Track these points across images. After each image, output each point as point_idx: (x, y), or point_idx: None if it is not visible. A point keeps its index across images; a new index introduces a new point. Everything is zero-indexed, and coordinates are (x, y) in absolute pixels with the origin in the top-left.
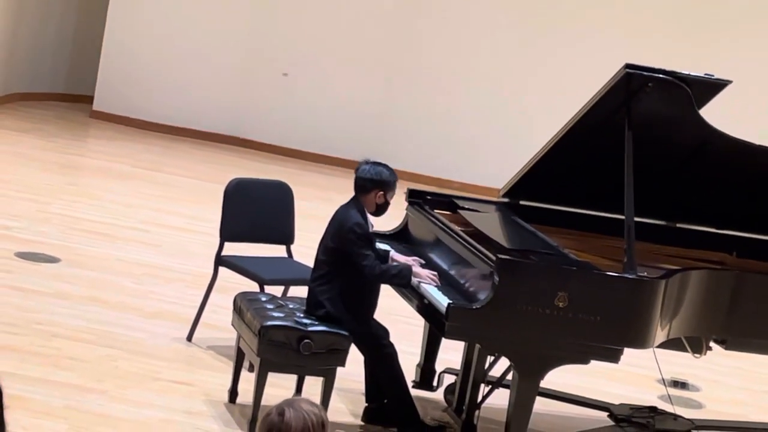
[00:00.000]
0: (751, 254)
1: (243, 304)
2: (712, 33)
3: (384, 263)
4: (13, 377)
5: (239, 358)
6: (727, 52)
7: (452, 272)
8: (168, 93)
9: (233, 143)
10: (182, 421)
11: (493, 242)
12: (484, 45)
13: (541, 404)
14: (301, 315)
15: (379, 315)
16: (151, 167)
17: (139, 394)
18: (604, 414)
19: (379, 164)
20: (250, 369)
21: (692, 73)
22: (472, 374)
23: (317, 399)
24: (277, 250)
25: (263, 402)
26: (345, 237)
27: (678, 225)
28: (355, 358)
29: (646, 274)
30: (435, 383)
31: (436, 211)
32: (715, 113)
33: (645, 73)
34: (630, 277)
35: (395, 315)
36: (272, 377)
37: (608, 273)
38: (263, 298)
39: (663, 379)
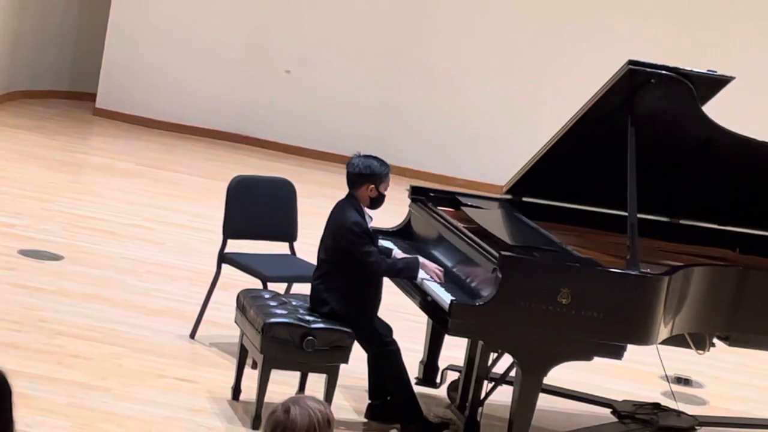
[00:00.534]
0: (754, 250)
1: (246, 302)
2: (715, 29)
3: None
4: (16, 375)
5: (242, 355)
6: (730, 48)
7: (455, 269)
8: (171, 90)
9: (236, 140)
10: (186, 418)
11: (496, 239)
12: (488, 42)
13: (544, 401)
14: (304, 312)
15: (382, 312)
16: (154, 165)
17: (142, 391)
18: (608, 411)
19: (370, 157)
20: (254, 366)
21: (695, 69)
22: (475, 371)
23: (320, 396)
24: (280, 248)
25: (266, 399)
26: (345, 237)
27: (681, 221)
28: (358, 355)
29: (649, 270)
30: (438, 380)
31: (439, 207)
32: (717, 109)
33: (648, 69)
34: (633, 273)
35: (398, 312)
36: (275, 374)
37: (611, 270)
38: (266, 296)
39: (666, 376)
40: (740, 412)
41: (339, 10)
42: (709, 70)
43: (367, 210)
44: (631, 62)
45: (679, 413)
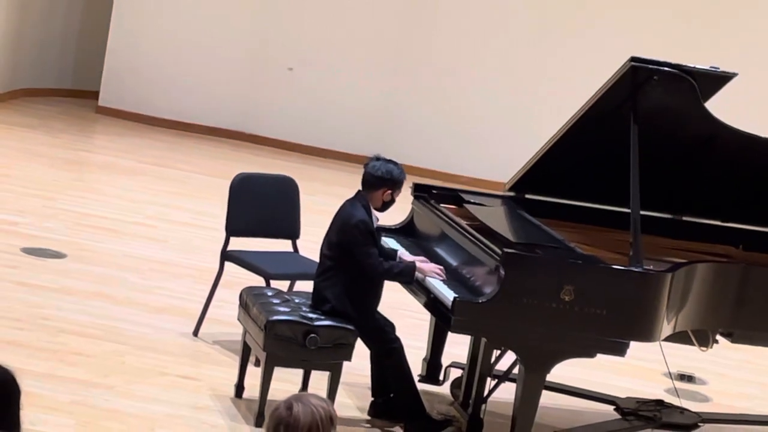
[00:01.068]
0: (758, 247)
1: (249, 299)
2: (718, 25)
3: (391, 260)
4: (19, 373)
5: (245, 352)
6: (733, 44)
7: (458, 266)
8: (174, 88)
9: (239, 138)
10: (188, 416)
11: (499, 236)
12: (491, 39)
13: (547, 398)
14: (307, 309)
15: (385, 309)
16: (157, 162)
17: (145, 389)
18: (611, 408)
19: (390, 162)
20: (257, 364)
21: (698, 66)
22: (478, 368)
23: (323, 394)
24: (283, 245)
25: (269, 397)
26: (349, 233)
27: (684, 218)
28: (361, 352)
29: (652, 267)
30: (441, 377)
31: (441, 205)
32: (720, 106)
33: (650, 66)
34: (636, 270)
35: (401, 309)
36: (278, 372)
37: (614, 266)
38: (269, 293)
39: (669, 373)
40: (743, 408)
41: (341, 8)
42: (711, 67)
43: (374, 212)
44: (633, 59)
45: (682, 410)
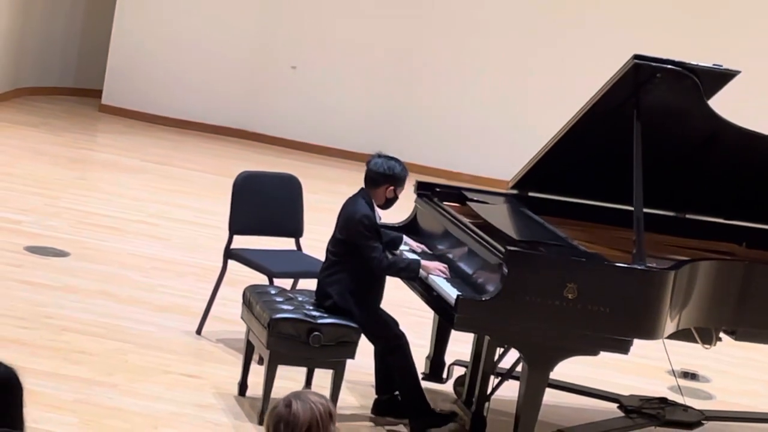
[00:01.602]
0: (761, 245)
1: (252, 297)
2: (721, 22)
3: (395, 249)
4: (22, 371)
5: (249, 351)
6: (737, 41)
7: (461, 264)
8: (177, 86)
9: (242, 137)
10: (192, 414)
11: (502, 234)
12: (493, 37)
13: (550, 396)
14: (311, 307)
15: (388, 307)
16: (160, 161)
17: (148, 387)
18: (614, 405)
19: (392, 159)
20: (260, 362)
21: (701, 64)
22: (481, 366)
23: (327, 392)
24: (286, 243)
25: (273, 395)
26: (353, 229)
27: (687, 216)
28: (364, 350)
29: (655, 265)
30: (444, 375)
31: (445, 203)
32: (724, 104)
33: (653, 64)
34: (639, 268)
35: (404, 307)
36: (282, 370)
37: (617, 264)
38: (272, 291)
39: (673, 370)
40: (747, 406)
41: (344, 7)
42: (715, 64)
43: (377, 209)
44: (636, 57)
45: (685, 408)
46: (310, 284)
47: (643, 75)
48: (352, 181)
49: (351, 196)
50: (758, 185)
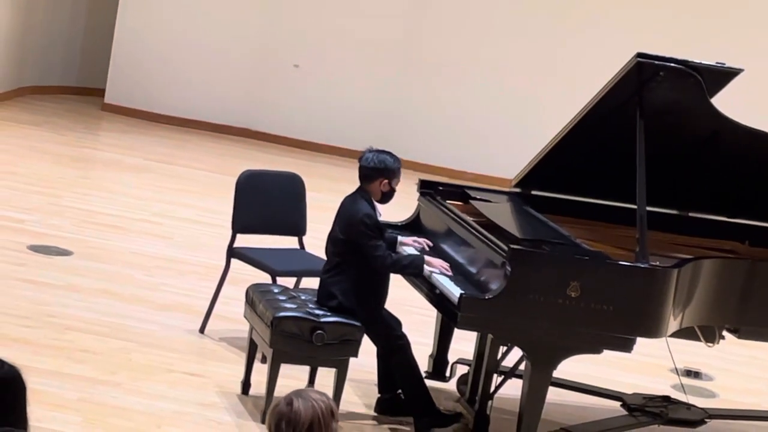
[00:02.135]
0: (764, 243)
1: (255, 296)
2: (724, 20)
3: (393, 251)
4: (26, 370)
5: (252, 349)
6: (739, 40)
7: (464, 262)
8: (179, 85)
9: (245, 135)
10: (195, 412)
11: (505, 232)
12: (496, 35)
13: (554, 394)
14: (314, 306)
15: (391, 306)
16: (163, 160)
17: (151, 386)
18: (618, 404)
19: (383, 152)
20: (263, 360)
21: (704, 62)
22: (484, 364)
23: (330, 390)
24: (289, 242)
25: (276, 393)
26: (355, 228)
27: (690, 214)
28: (367, 349)
29: (658, 263)
30: (448, 374)
31: (448, 201)
32: (727, 102)
33: (656, 62)
34: (642, 266)
35: (407, 306)
36: (285, 368)
37: (621, 262)
38: (275, 290)
39: (676, 369)
40: (750, 404)
41: (347, 5)
42: (717, 63)
43: (376, 205)
44: (639, 55)
45: (689, 406)
46: (313, 283)
47: (646, 73)
48: (355, 179)
49: (349, 195)
50: (761, 183)
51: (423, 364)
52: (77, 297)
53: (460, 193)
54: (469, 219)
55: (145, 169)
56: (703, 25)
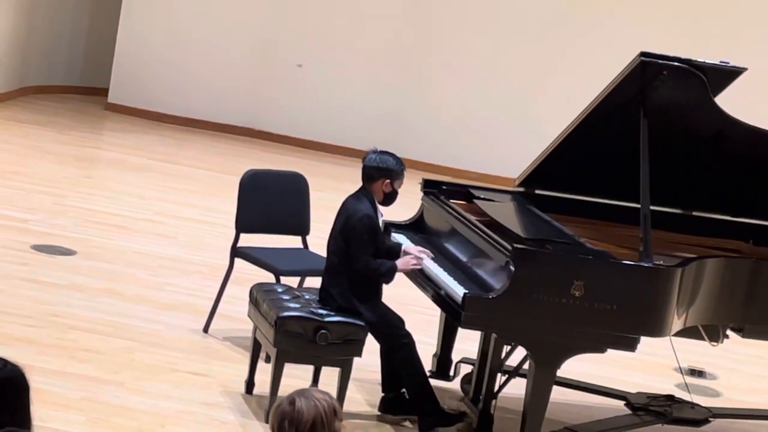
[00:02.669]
0: None
1: (259, 295)
2: (728, 20)
3: (395, 258)
4: (30, 370)
5: (256, 349)
6: (742, 39)
7: (468, 262)
8: (183, 85)
9: (248, 135)
10: (199, 412)
11: (509, 232)
12: (500, 35)
13: (558, 393)
14: (317, 306)
15: (395, 305)
16: (166, 159)
17: (155, 385)
18: (621, 403)
19: (386, 153)
20: (267, 360)
21: (707, 61)
22: (488, 364)
23: (334, 390)
24: (293, 241)
25: (280, 393)
26: (351, 226)
27: (694, 213)
28: (371, 348)
29: (662, 262)
30: (451, 373)
31: (451, 200)
32: (730, 101)
33: (660, 61)
34: (646, 265)
35: (411, 305)
36: (289, 368)
37: (624, 262)
38: (279, 289)
39: (680, 368)
40: (754, 403)
41: (350, 4)
42: (721, 62)
43: (378, 206)
44: (643, 54)
45: (693, 405)
46: (316, 282)
47: (649, 72)
48: (359, 179)
49: (351, 195)
50: (765, 182)
51: (427, 363)
52: (81, 296)
53: (463, 192)
54: (473, 218)
55: (149, 169)
56: (703, 25)
